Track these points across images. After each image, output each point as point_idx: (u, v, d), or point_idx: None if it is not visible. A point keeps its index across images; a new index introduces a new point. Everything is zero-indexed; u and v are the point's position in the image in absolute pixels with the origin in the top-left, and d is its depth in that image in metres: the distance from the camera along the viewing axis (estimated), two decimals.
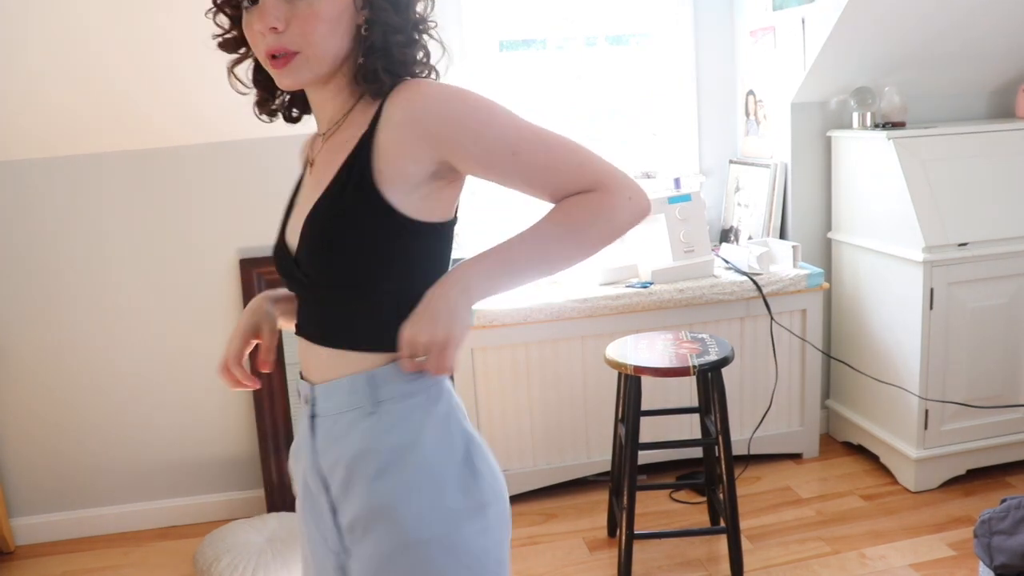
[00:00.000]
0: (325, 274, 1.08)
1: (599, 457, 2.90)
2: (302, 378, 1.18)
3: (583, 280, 2.92)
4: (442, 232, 1.10)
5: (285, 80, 1.07)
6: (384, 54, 1.07)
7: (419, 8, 1.11)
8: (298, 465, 1.20)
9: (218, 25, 1.14)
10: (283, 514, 2.62)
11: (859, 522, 2.64)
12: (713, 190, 3.36)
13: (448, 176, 1.08)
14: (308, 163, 1.17)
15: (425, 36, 1.11)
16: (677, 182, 3.04)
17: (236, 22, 1.12)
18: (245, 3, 1.06)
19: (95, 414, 2.81)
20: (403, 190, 1.05)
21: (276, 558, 2.35)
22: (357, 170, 1.05)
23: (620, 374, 2.51)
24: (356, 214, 1.04)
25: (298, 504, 1.22)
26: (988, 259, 2.68)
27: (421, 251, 1.09)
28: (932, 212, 2.66)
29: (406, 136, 1.04)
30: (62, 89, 2.43)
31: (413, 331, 1.02)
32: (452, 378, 1.17)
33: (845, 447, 3.16)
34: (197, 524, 2.86)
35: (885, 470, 2.93)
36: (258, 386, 1.27)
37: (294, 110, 1.22)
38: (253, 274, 2.75)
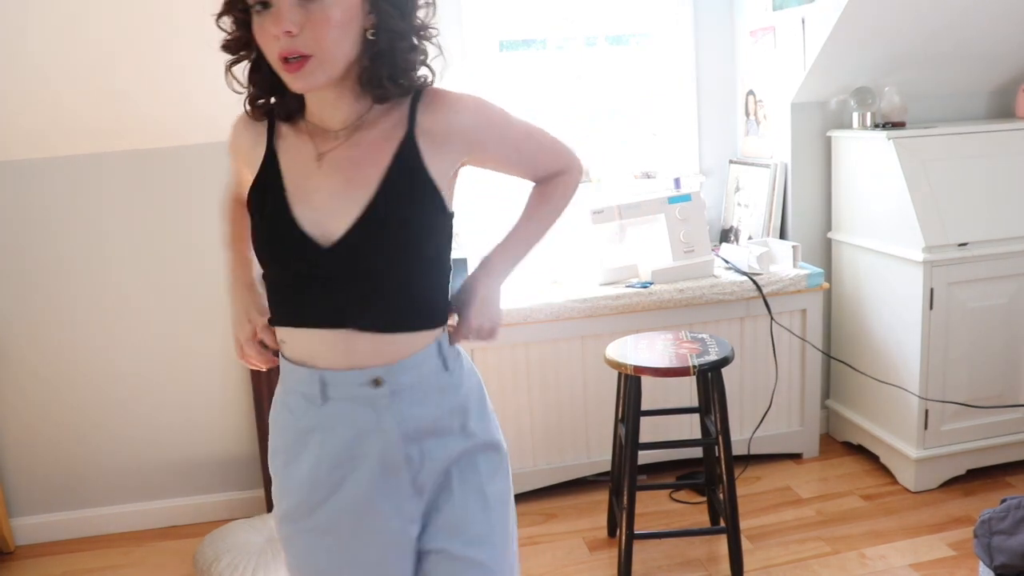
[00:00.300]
0: (388, 264, 1.16)
1: (599, 457, 2.90)
2: (320, 368, 1.19)
3: (583, 280, 2.92)
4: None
5: (298, 84, 1.11)
6: (389, 59, 1.13)
7: (421, 14, 1.17)
8: (361, 454, 1.20)
9: (220, 28, 1.16)
10: None
11: (859, 522, 2.64)
12: (713, 190, 3.36)
13: (457, 171, 1.25)
14: (316, 157, 1.17)
15: (425, 42, 1.18)
16: (677, 182, 3.04)
17: (241, 25, 1.14)
18: (256, 7, 1.09)
19: (95, 414, 2.80)
20: (443, 186, 1.20)
21: (276, 558, 2.35)
22: (412, 171, 1.16)
23: (620, 374, 2.51)
24: (425, 210, 1.17)
25: (357, 493, 1.21)
26: (988, 259, 2.68)
27: (450, 238, 1.26)
28: (932, 212, 2.66)
29: (446, 143, 1.18)
30: (62, 89, 2.43)
31: (479, 321, 1.30)
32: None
33: (845, 447, 3.16)
34: (197, 524, 2.86)
35: (885, 470, 2.93)
36: (275, 364, 1.30)
37: (286, 108, 1.22)
38: None
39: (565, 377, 2.83)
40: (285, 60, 1.08)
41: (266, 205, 1.18)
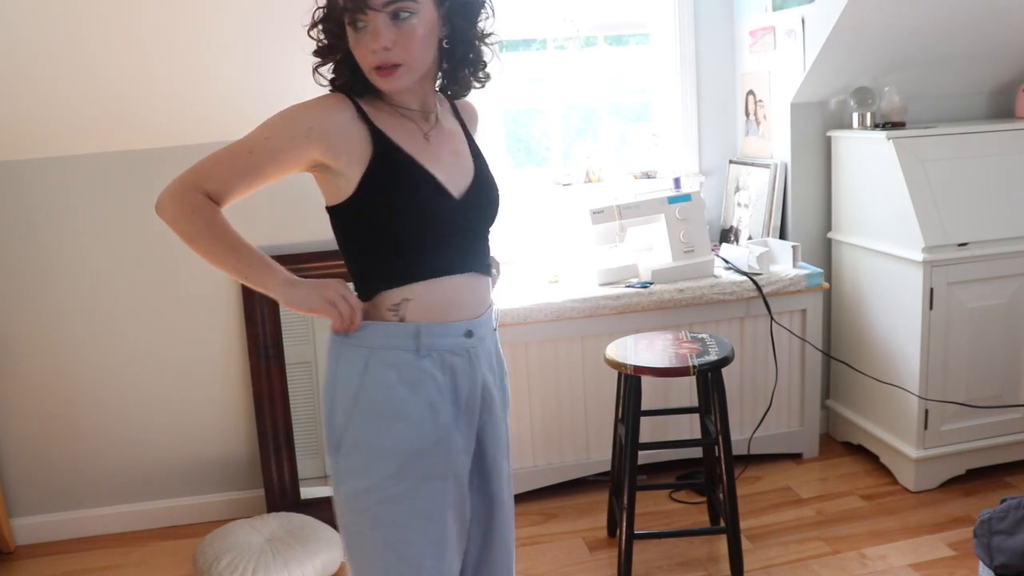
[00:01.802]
0: (492, 215, 1.46)
1: (599, 457, 2.90)
2: (422, 322, 1.35)
3: (583, 280, 2.92)
4: None
5: (387, 85, 1.32)
6: (467, 63, 1.39)
7: (484, 24, 1.39)
8: (452, 396, 1.39)
9: (312, 37, 1.37)
10: (283, 514, 2.62)
11: (859, 522, 2.64)
12: (713, 190, 3.36)
13: None
14: (423, 135, 1.39)
15: (485, 48, 1.41)
16: (677, 182, 3.04)
17: (332, 35, 1.34)
18: (353, 24, 1.28)
19: (95, 414, 2.80)
20: None
21: (276, 558, 2.35)
22: (478, 150, 1.48)
23: (620, 374, 2.51)
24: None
25: (460, 434, 1.41)
26: (988, 259, 2.68)
27: None
28: (932, 212, 2.66)
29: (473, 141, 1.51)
30: (63, 89, 2.42)
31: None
32: None
33: (845, 447, 3.16)
34: (197, 524, 2.86)
35: (885, 470, 2.93)
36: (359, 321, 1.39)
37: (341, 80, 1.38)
38: None
39: (565, 377, 2.83)
40: (378, 68, 1.29)
41: (405, 169, 1.34)
